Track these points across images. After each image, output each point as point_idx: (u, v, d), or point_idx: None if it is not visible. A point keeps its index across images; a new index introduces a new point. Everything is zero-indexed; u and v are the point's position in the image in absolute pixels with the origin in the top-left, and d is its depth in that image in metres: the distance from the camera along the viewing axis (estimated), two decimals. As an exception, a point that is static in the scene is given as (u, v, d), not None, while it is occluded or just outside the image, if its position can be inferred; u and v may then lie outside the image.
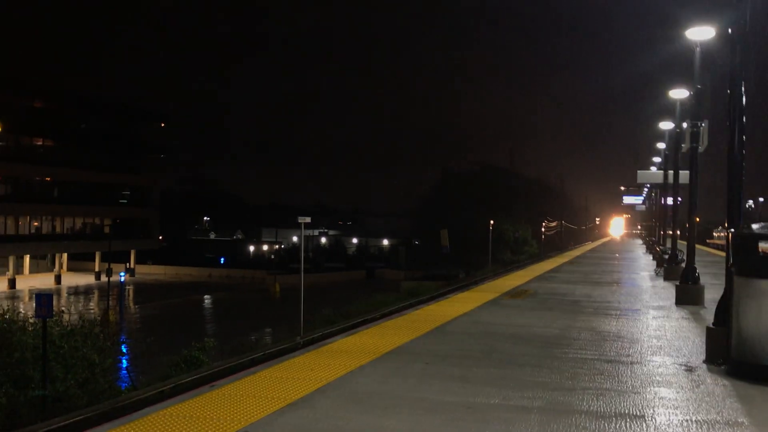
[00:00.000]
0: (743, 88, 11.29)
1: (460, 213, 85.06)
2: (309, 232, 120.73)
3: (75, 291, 71.41)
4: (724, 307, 10.88)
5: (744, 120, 11.36)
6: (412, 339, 13.01)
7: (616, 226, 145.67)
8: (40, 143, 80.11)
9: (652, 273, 32.93)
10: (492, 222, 67.41)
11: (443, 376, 9.88)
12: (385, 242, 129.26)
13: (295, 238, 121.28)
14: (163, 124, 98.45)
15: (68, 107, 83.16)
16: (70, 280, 78.90)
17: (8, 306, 17.66)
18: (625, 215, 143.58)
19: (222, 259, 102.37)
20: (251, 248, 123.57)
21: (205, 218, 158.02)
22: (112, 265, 64.78)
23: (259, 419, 7.72)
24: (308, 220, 24.80)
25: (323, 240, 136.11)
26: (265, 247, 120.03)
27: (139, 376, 22.36)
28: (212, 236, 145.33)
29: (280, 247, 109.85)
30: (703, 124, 19.31)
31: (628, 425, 7.69)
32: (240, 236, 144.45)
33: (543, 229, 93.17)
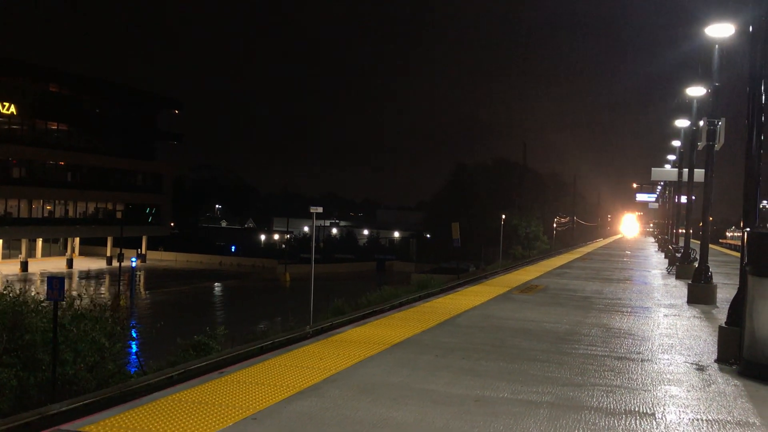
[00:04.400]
0: (762, 87, 11.17)
1: (472, 207, 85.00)
2: (320, 222, 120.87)
3: (86, 275, 71.78)
4: (738, 307, 10.80)
5: (762, 119, 11.24)
6: (421, 331, 12.99)
7: (629, 224, 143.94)
8: (54, 127, 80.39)
9: (664, 271, 32.75)
10: (504, 216, 67.21)
11: (452, 369, 9.85)
12: (396, 234, 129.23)
13: (306, 228, 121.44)
14: (177, 111, 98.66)
15: (83, 92, 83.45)
16: (82, 264, 79.33)
17: (20, 288, 17.74)
18: (637, 213, 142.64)
19: (233, 248, 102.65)
20: (262, 237, 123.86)
21: (216, 206, 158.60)
22: (124, 251, 65.05)
23: (267, 407, 7.71)
24: (320, 210, 24.70)
25: (334, 231, 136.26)
26: (276, 237, 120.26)
27: (148, 361, 22.43)
28: (223, 224, 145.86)
29: (291, 237, 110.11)
30: (719, 122, 19.15)
31: (638, 423, 7.63)
32: (251, 225, 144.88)
33: (555, 225, 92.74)
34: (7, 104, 70.61)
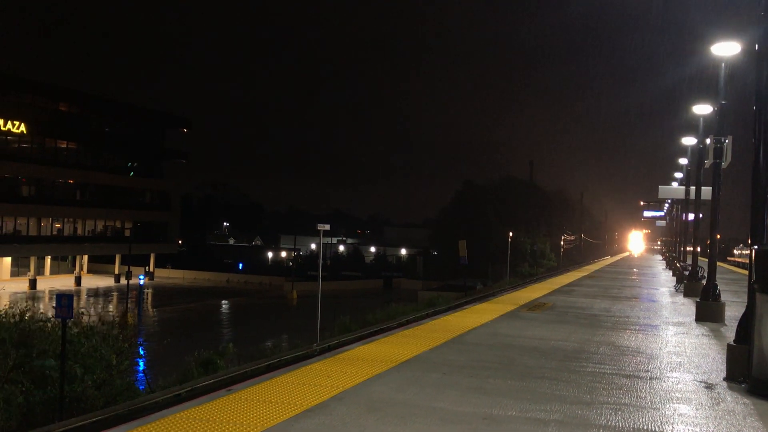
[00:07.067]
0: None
1: (478, 224, 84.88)
2: (327, 240, 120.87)
3: (95, 293, 71.87)
4: (746, 325, 10.76)
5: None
6: (429, 348, 12.97)
7: (635, 242, 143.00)
8: (64, 146, 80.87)
9: (672, 289, 32.64)
10: (511, 234, 67.15)
11: (460, 387, 9.84)
12: (403, 252, 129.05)
13: (313, 246, 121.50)
14: (185, 130, 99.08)
15: (92, 111, 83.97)
16: (90, 282, 79.47)
17: (28, 305, 17.78)
18: (644, 230, 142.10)
19: (240, 265, 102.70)
20: (269, 254, 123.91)
21: (224, 223, 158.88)
22: (132, 268, 65.22)
23: (275, 425, 7.72)
24: (327, 227, 24.72)
25: (341, 248, 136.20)
26: (284, 254, 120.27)
27: (156, 378, 22.42)
28: (231, 242, 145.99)
29: (298, 254, 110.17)
30: (726, 140, 19.13)
31: (646, 441, 7.61)
32: (259, 242, 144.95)
33: (562, 243, 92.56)
34: (17, 123, 71.09)
